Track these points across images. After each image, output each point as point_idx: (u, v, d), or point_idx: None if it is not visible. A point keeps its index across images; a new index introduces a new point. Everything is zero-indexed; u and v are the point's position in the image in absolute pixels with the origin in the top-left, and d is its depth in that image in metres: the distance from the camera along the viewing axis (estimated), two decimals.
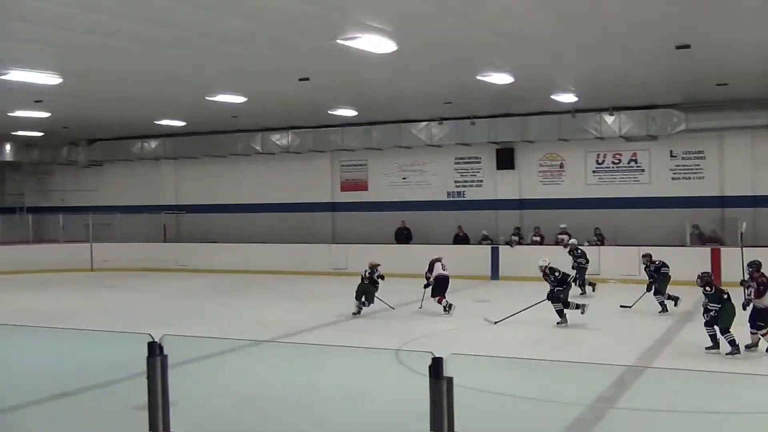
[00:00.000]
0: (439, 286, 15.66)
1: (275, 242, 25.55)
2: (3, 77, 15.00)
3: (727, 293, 11.52)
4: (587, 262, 18.50)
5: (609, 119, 21.64)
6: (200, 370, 9.58)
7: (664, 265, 15.41)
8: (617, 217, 22.63)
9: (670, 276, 15.41)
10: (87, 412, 8.63)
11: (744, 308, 11.51)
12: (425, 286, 15.96)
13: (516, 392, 8.90)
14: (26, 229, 29.17)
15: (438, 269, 15.85)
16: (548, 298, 14.04)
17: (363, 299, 15.43)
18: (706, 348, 11.45)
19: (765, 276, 11.45)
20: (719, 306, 11.32)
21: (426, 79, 17.01)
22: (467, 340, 13.03)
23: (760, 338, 11.33)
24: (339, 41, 12.10)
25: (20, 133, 26.43)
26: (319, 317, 15.26)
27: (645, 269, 15.71)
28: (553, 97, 19.43)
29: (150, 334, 4.01)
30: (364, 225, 25.82)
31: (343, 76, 16.34)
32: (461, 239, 23.86)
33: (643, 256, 16.02)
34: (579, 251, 18.59)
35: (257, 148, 26.61)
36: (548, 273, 14.31)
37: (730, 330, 11.25)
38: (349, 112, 22.26)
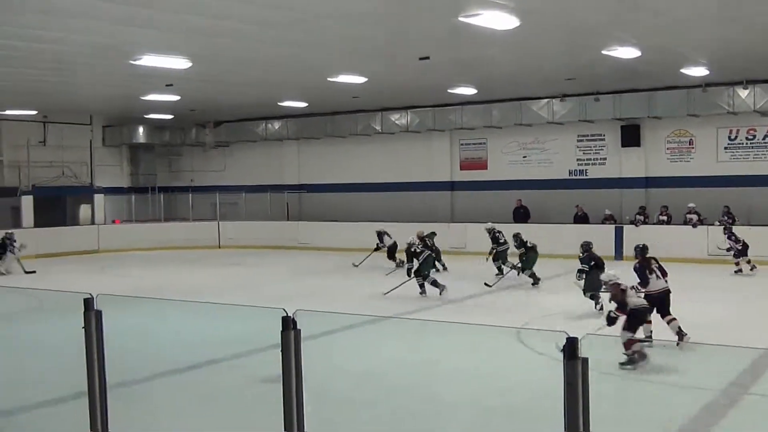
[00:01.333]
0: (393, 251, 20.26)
1: (394, 221, 25.67)
2: (137, 62, 15.69)
3: (595, 261, 13.15)
4: (499, 245, 18.01)
5: (743, 93, 20.56)
6: (324, 344, 9.79)
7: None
8: (751, 196, 21.54)
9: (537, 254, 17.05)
10: (218, 383, 8.97)
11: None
12: (375, 250, 20.90)
13: (645, 375, 8.67)
14: (158, 208, 30.60)
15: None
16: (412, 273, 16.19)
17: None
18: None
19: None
20: (587, 270, 13.23)
21: (548, 56, 16.65)
22: (586, 320, 12.74)
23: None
24: (461, 18, 11.98)
25: (152, 116, 27.67)
26: (438, 296, 15.30)
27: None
28: (682, 71, 18.63)
29: (284, 309, 4.12)
30: (483, 204, 25.59)
31: (463, 54, 16.21)
32: (580, 218, 23.33)
33: (514, 235, 17.46)
34: (495, 233, 18.20)
35: (377, 127, 26.82)
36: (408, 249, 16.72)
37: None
38: (469, 91, 22.08)
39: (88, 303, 4.82)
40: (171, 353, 10.12)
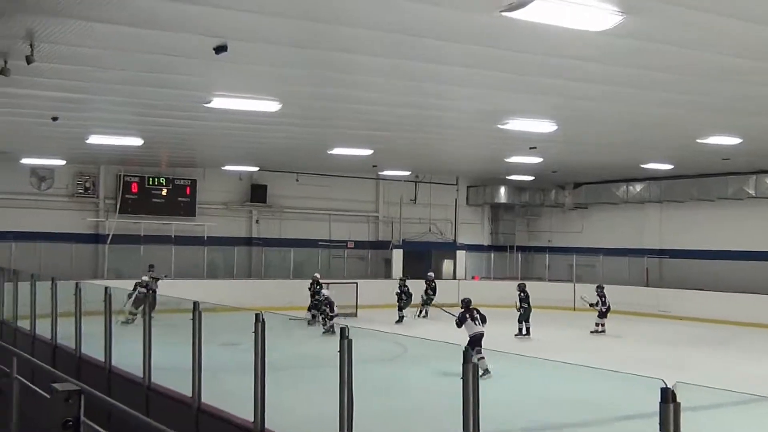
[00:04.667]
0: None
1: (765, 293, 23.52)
2: (505, 126, 16.37)
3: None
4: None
5: None
6: (705, 420, 9.20)
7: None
8: None
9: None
10: None
11: None
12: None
13: None
14: (515, 267, 31.30)
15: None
16: None
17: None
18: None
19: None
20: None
21: None
22: None
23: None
24: None
25: (514, 177, 28.60)
26: None
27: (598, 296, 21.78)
28: None
29: (662, 380, 4.01)
30: None
31: None
32: None
33: (598, 287, 21.92)
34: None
35: (750, 191, 24.93)
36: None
37: None
38: None
39: (466, 355, 5.11)
40: (528, 410, 10.24)
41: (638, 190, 28.41)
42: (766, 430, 9.42)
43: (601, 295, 21.71)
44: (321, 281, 22.52)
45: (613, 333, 21.53)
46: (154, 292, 19.57)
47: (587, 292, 22.53)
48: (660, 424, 3.85)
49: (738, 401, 10.05)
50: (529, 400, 10.78)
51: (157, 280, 21.67)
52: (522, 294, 21.00)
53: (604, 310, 21.58)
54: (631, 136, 18.32)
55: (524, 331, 20.64)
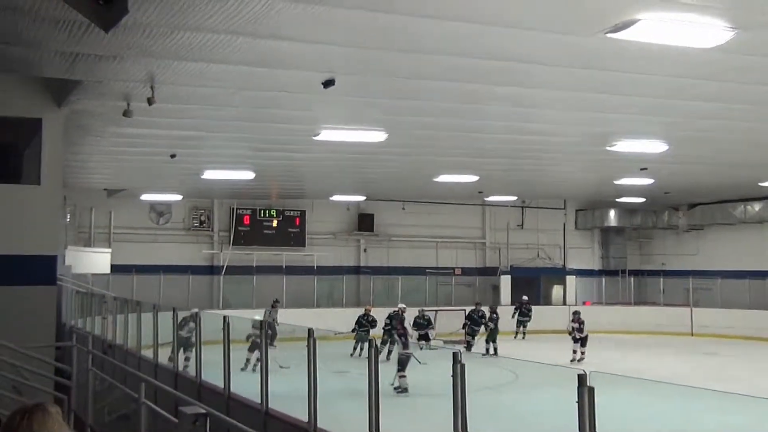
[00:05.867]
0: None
1: None
2: (613, 148, 16.08)
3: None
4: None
5: None
6: None
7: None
8: None
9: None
10: None
11: None
12: None
13: None
14: (628, 291, 30.48)
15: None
16: None
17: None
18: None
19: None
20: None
21: None
22: None
23: None
24: None
25: (623, 199, 27.96)
26: None
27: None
28: None
29: None
30: None
31: None
32: None
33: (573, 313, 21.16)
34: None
35: None
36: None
37: None
38: None
39: (581, 379, 5.05)
40: None
41: (757, 209, 27.25)
42: None
43: (580, 321, 20.59)
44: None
45: (737, 359, 20.70)
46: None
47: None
48: None
49: None
50: (647, 427, 10.49)
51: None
52: (494, 315, 21.98)
53: (581, 336, 20.40)
54: (747, 154, 17.66)
55: (491, 351, 21.19)
